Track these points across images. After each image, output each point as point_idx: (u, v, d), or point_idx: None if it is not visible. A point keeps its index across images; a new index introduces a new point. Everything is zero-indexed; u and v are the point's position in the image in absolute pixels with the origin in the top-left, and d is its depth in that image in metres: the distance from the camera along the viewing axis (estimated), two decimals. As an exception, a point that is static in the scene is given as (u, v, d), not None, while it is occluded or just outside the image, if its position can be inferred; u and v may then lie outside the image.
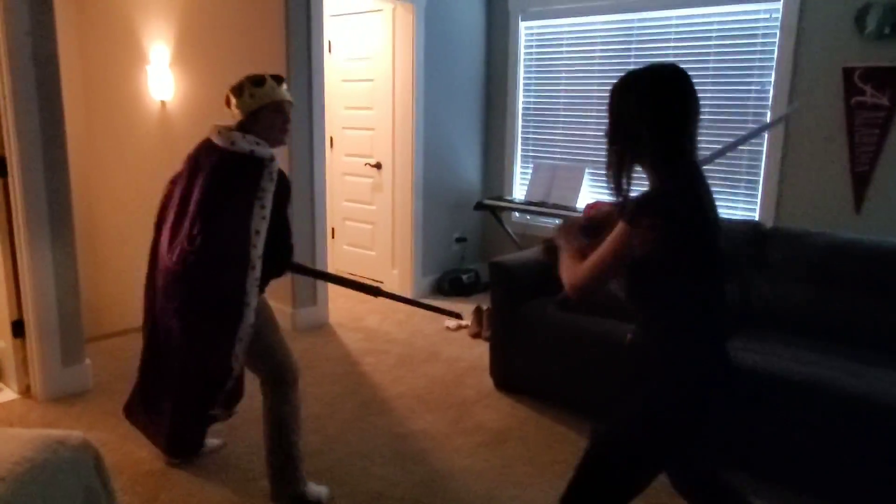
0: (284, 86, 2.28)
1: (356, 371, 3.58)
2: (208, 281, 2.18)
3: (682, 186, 1.58)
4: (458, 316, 2.67)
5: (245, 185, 2.16)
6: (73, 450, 1.64)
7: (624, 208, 1.57)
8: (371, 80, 5.00)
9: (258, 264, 2.16)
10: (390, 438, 2.86)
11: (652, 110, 1.58)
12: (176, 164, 2.38)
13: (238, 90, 2.21)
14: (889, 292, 2.78)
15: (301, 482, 2.35)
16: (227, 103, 2.25)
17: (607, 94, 1.66)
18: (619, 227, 1.54)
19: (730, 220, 3.31)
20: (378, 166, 5.06)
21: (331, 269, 5.59)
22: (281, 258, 2.31)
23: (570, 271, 1.64)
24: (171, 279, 2.22)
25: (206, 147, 2.25)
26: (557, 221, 4.54)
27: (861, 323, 2.79)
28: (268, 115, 2.22)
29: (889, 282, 2.79)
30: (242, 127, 2.22)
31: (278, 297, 4.20)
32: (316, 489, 2.40)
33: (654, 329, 1.66)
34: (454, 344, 4.01)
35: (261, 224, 2.15)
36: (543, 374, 3.14)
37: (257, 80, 2.20)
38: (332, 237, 5.61)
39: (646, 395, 1.63)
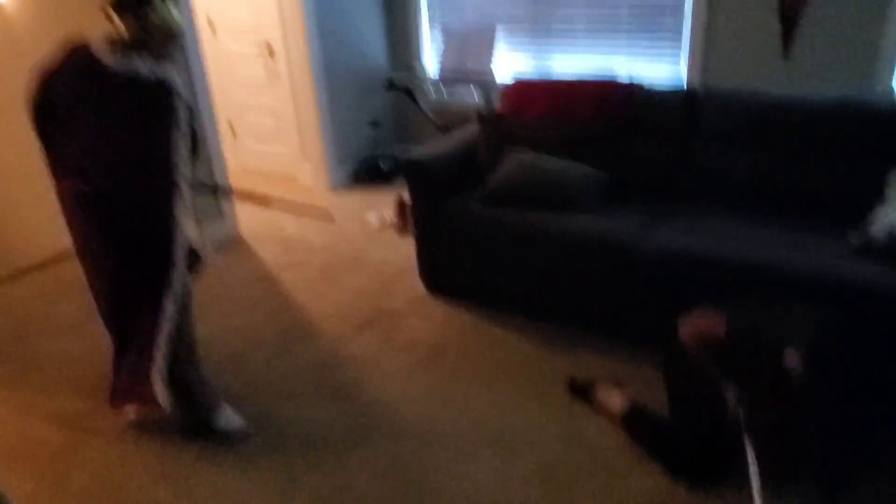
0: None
1: (275, 292, 3.29)
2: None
3: None
4: (328, 217, 2.37)
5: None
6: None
7: None
8: (242, -55, 4.26)
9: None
10: (319, 371, 2.64)
11: None
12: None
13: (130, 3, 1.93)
14: (821, 149, 2.62)
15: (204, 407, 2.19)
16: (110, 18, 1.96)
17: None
18: None
19: (660, 87, 3.02)
20: (270, 51, 4.45)
21: (240, 168, 5.12)
22: None
23: None
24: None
25: (86, 65, 1.95)
26: (476, 93, 4.17)
27: (797, 185, 2.64)
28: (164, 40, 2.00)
29: (820, 138, 2.61)
30: (131, 46, 1.96)
31: (177, 217, 3.78)
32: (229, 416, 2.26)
33: None
34: (379, 245, 3.73)
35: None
36: (474, 274, 2.93)
37: None
38: (234, 135, 5.07)
39: None
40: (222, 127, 4.97)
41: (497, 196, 2.79)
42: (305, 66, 4.24)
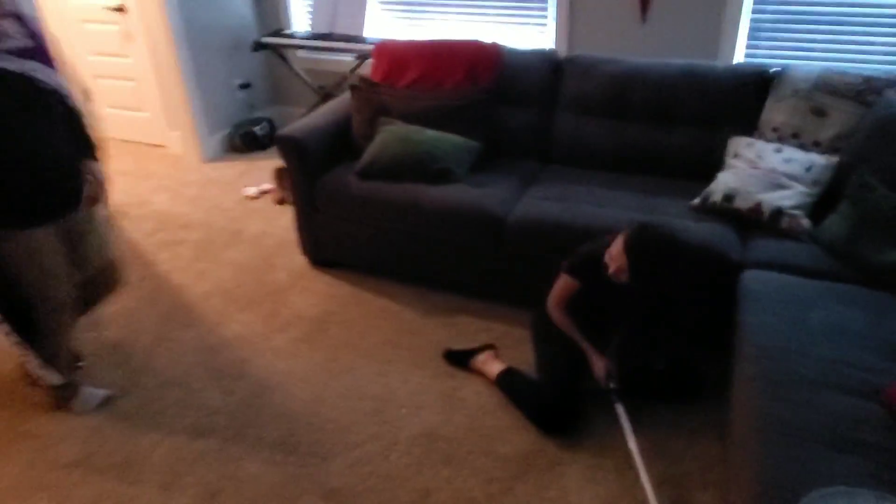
0: None
1: (151, 273, 3.19)
2: None
3: None
4: None
5: None
6: None
7: None
8: None
9: None
10: (203, 355, 2.63)
11: None
12: None
13: None
14: (672, 117, 2.85)
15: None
16: None
17: None
18: None
19: (526, 53, 3.13)
20: (121, 9, 4.14)
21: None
22: None
23: None
24: None
25: None
26: (348, 55, 4.10)
27: (652, 150, 2.87)
28: None
29: (670, 106, 2.84)
30: None
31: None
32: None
33: None
34: (258, 216, 3.68)
35: None
36: (354, 247, 2.98)
37: None
38: (88, 101, 4.70)
39: None
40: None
41: (372, 170, 2.83)
42: (163, 24, 3.97)
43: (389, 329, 2.73)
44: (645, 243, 1.99)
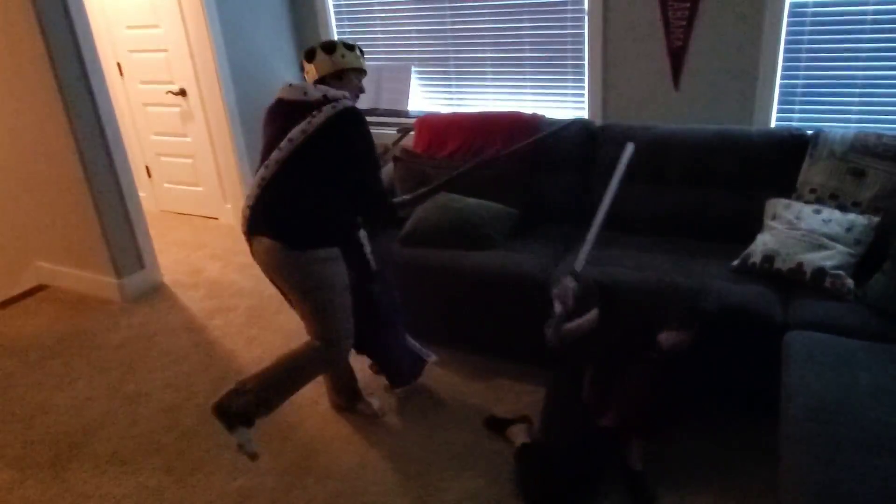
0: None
1: (204, 340, 3.33)
2: None
3: None
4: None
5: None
6: None
7: None
8: (150, -7, 4.26)
9: None
10: (253, 418, 2.71)
11: None
12: None
13: (330, 48, 2.29)
14: (708, 179, 2.90)
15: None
16: (310, 59, 2.32)
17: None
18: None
19: (560, 122, 3.25)
20: (182, 93, 4.46)
21: (157, 210, 5.08)
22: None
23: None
24: None
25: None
26: (394, 129, 4.31)
27: (688, 213, 2.91)
28: (352, 78, 2.35)
29: (706, 169, 2.90)
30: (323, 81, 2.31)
31: (96, 266, 3.76)
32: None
33: None
34: (305, 283, 3.81)
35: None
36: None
37: (347, 45, 2.31)
38: (149, 176, 5.03)
39: None
40: (139, 171, 4.94)
41: (415, 237, 2.93)
42: (220, 106, 4.27)
43: (433, 392, 2.77)
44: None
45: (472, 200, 3.01)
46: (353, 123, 2.20)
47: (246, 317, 3.51)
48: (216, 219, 4.85)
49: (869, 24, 3.08)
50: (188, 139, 4.66)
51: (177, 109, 4.58)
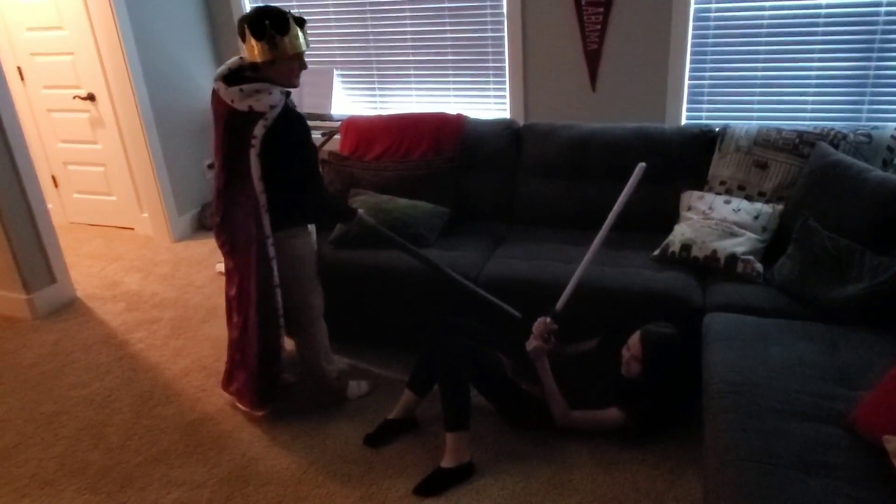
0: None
1: (126, 354, 3.18)
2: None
3: None
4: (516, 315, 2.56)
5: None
6: None
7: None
8: (53, -7, 4.06)
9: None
10: (184, 430, 2.62)
11: None
12: None
13: (259, 32, 2.17)
14: (625, 175, 3.03)
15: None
16: (243, 38, 2.21)
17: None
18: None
19: (487, 121, 3.33)
20: (91, 98, 4.26)
21: (66, 222, 4.82)
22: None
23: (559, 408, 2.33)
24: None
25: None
26: (315, 132, 4.26)
27: (612, 206, 3.03)
28: (288, 64, 2.26)
29: (625, 165, 3.03)
30: (258, 68, 2.25)
31: (3, 282, 3.53)
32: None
33: None
34: (232, 291, 3.71)
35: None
36: (334, 313, 3.03)
37: (281, 23, 2.18)
38: (56, 186, 4.76)
39: None
40: (45, 181, 4.68)
41: (347, 239, 2.92)
42: (133, 110, 4.09)
43: (375, 393, 2.76)
44: (657, 344, 2.31)
45: (402, 200, 3.03)
46: (287, 133, 2.23)
47: (170, 328, 3.38)
48: (132, 229, 4.65)
49: (766, 27, 3.32)
50: (98, 146, 4.45)
51: (85, 115, 4.37)
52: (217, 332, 3.30)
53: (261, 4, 2.28)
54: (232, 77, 2.27)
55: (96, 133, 4.40)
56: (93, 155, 4.50)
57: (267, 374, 2.52)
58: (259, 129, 2.19)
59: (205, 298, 3.66)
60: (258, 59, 2.22)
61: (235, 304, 2.50)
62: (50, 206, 4.52)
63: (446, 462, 2.27)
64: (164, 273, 4.00)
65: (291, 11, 2.26)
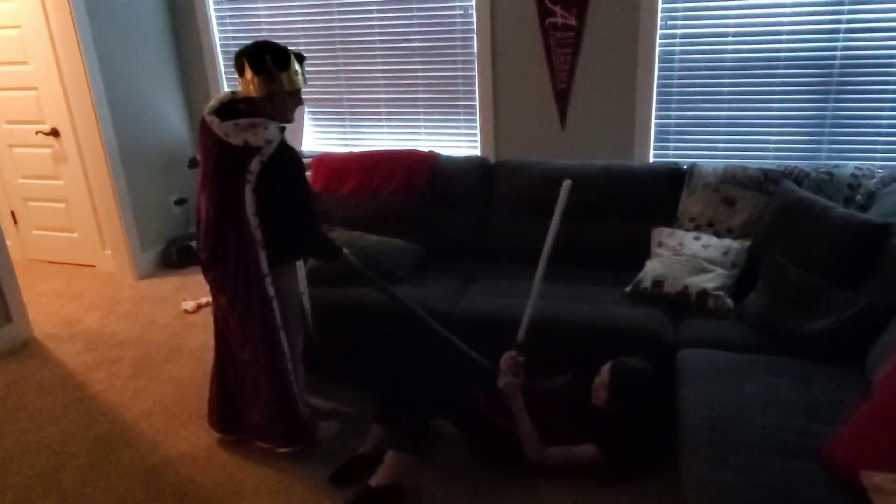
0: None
1: (85, 395, 3.05)
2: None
3: None
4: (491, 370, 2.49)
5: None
6: None
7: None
8: (18, 28, 3.99)
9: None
10: (144, 475, 2.50)
11: None
12: None
13: (259, 67, 2.15)
14: (598, 211, 3.07)
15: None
16: (240, 72, 2.19)
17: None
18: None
19: (458, 160, 3.35)
20: (55, 133, 4.17)
21: (24, 259, 4.67)
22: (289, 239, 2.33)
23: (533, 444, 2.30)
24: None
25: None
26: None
27: (582, 243, 3.05)
28: (284, 99, 2.25)
29: (595, 202, 3.07)
30: (253, 102, 2.23)
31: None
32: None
33: None
34: (198, 330, 3.61)
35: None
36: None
37: (282, 59, 2.17)
38: (15, 223, 4.63)
39: None
40: (4, 217, 4.55)
41: (317, 275, 2.87)
42: (97, 146, 4.02)
43: (340, 433, 2.68)
44: (625, 374, 2.32)
45: (374, 238, 3.00)
46: (283, 169, 2.20)
47: (132, 368, 3.26)
48: (93, 266, 4.52)
49: (728, 69, 3.42)
50: (60, 182, 4.34)
51: (48, 151, 4.27)
52: (181, 372, 3.19)
53: (260, 39, 2.27)
54: (224, 111, 2.23)
55: (58, 169, 4.30)
56: (54, 191, 4.39)
57: (287, 412, 2.47)
58: (255, 165, 2.15)
59: (168, 337, 3.55)
60: (254, 94, 2.19)
61: (238, 340, 2.41)
62: (8, 242, 4.38)
63: (378, 480, 2.23)
64: (125, 311, 3.87)
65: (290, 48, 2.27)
